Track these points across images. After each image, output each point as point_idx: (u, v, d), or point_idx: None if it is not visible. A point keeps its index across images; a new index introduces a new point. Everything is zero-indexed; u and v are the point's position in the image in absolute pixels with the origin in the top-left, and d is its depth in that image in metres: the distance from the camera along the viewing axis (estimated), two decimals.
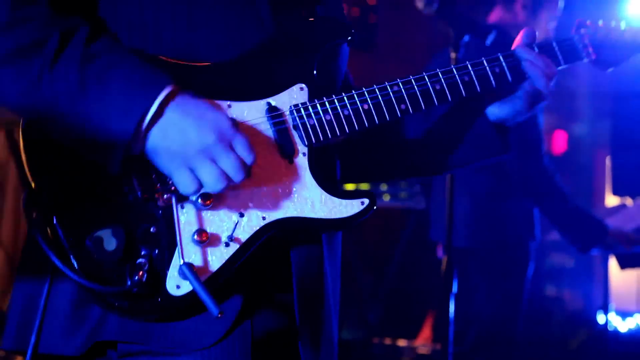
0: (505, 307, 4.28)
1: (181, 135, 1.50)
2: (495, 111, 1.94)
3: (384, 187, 5.52)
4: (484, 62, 1.87)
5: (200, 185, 1.52)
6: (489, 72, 1.86)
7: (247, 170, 1.54)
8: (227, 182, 1.52)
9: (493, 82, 1.86)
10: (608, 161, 6.16)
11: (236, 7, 1.69)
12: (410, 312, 5.88)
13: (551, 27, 4.35)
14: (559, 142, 6.60)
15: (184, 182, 1.52)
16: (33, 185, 1.53)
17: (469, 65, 1.85)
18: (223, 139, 1.52)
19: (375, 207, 1.70)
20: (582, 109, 6.76)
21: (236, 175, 1.53)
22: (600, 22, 2.03)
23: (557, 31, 4.33)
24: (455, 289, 3.70)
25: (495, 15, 4.36)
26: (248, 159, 1.54)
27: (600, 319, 5.58)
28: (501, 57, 1.88)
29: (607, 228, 4.28)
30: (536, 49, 1.91)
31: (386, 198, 5.52)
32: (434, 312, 5.70)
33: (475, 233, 4.22)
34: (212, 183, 1.51)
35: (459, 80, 1.83)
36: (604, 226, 4.27)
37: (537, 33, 1.95)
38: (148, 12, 1.64)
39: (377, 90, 1.75)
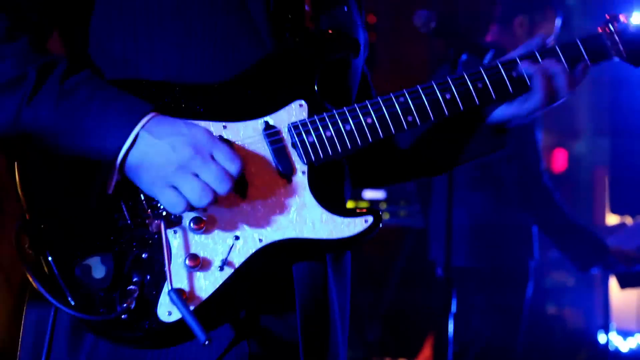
0: (504, 326, 4.26)
1: (158, 156, 1.48)
2: (497, 111, 1.80)
3: (383, 205, 5.50)
4: (499, 65, 1.74)
5: (188, 203, 1.49)
6: (505, 77, 1.73)
7: (232, 180, 1.49)
8: (212, 194, 1.48)
9: (510, 87, 1.75)
10: (607, 179, 6.15)
11: (232, 25, 1.64)
12: (410, 331, 5.84)
13: None
14: (559, 160, 6.59)
15: (170, 202, 1.49)
16: (27, 215, 1.52)
17: (482, 71, 1.73)
18: (201, 151, 1.48)
19: (380, 226, 1.63)
20: (582, 126, 6.76)
21: (220, 186, 1.48)
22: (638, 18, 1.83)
23: None
24: (454, 308, 3.68)
25: (493, 34, 4.37)
26: (232, 168, 1.49)
27: (602, 338, 5.54)
28: (518, 60, 1.75)
29: (607, 246, 4.26)
30: (559, 51, 1.76)
31: (385, 216, 5.50)
32: (434, 331, 5.66)
33: (474, 252, 4.21)
34: (197, 198, 1.47)
35: (471, 88, 1.72)
36: (604, 245, 4.26)
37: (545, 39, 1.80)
38: (142, 34, 1.62)
39: (381, 102, 1.66)
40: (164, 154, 1.47)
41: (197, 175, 1.47)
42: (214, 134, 1.56)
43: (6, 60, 1.49)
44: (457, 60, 3.67)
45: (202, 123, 1.56)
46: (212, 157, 1.48)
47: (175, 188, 1.48)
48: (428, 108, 1.69)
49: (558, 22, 4.35)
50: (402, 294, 5.89)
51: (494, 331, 4.25)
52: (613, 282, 5.23)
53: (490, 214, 4.23)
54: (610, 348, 5.49)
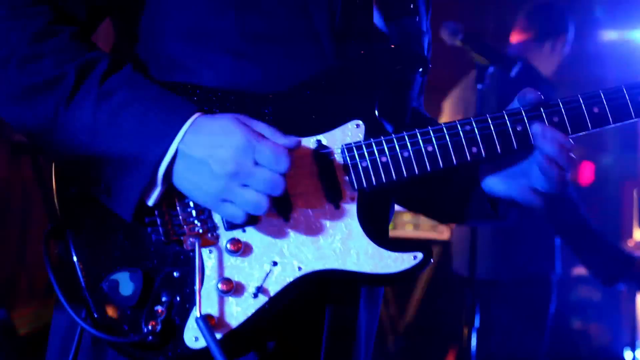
0: (527, 340, 4.22)
1: (202, 172, 1.40)
2: (496, 186, 1.65)
3: (406, 217, 5.47)
4: (580, 99, 1.57)
5: (248, 213, 1.41)
6: (585, 112, 1.57)
7: (284, 179, 1.40)
8: (268, 200, 1.40)
9: (589, 124, 1.57)
10: (636, 194, 6.08)
11: (293, 34, 1.55)
12: (432, 346, 5.80)
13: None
14: (586, 174, 6.53)
15: (230, 215, 1.42)
16: (59, 219, 1.47)
17: (560, 103, 1.57)
18: (242, 162, 1.39)
19: (431, 262, 1.51)
20: (610, 140, 6.70)
21: (274, 190, 1.40)
22: None
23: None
24: (477, 323, 3.64)
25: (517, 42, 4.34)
26: (280, 167, 1.39)
27: (628, 355, 5.47)
28: (626, 90, 1.59)
29: (634, 261, 4.20)
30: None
31: (409, 228, 5.47)
32: (457, 344, 5.61)
33: (496, 265, 4.18)
34: (254, 208, 1.40)
35: (545, 121, 1.56)
36: (630, 259, 4.21)
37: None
38: (198, 36, 1.54)
39: (445, 129, 1.54)
40: (205, 173, 1.40)
41: (246, 185, 1.40)
42: None
43: (45, 58, 1.43)
44: (484, 73, 3.64)
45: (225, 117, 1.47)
46: (256, 163, 1.40)
47: (230, 201, 1.41)
48: (496, 140, 1.56)
49: (571, 34, 4.32)
50: (425, 306, 5.85)
51: (517, 345, 4.22)
52: None
53: (513, 227, 4.19)
54: None
